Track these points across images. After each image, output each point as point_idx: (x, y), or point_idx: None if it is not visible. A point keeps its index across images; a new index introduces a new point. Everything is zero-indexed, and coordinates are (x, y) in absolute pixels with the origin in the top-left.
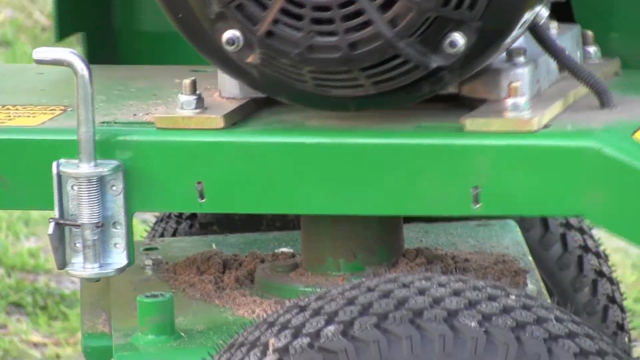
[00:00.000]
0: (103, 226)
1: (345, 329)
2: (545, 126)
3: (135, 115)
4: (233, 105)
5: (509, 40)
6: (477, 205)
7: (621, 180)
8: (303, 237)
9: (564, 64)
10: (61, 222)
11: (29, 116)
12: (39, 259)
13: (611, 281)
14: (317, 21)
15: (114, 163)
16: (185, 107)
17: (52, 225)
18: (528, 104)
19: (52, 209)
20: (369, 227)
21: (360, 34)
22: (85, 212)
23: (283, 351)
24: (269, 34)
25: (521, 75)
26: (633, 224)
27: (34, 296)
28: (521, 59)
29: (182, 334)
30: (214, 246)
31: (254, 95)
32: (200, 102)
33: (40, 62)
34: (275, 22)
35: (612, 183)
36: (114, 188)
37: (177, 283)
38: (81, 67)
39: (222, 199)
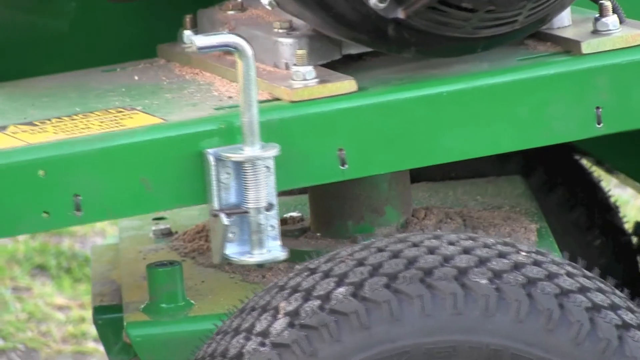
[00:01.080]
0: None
1: (356, 290)
2: None
3: (220, 100)
4: (339, 69)
5: None
6: (600, 126)
7: None
8: (311, 201)
9: None
10: (230, 211)
11: (131, 117)
12: None
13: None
14: None
15: (276, 145)
16: (308, 77)
17: (222, 216)
18: (617, 22)
19: (199, 203)
20: (376, 188)
21: None
22: (252, 197)
23: (294, 314)
24: None
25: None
26: None
27: (58, 259)
28: None
29: (193, 302)
30: None
31: (320, 62)
32: (314, 73)
33: (203, 48)
34: None
35: None
36: (266, 169)
37: (187, 251)
38: (248, 48)
39: (364, 162)
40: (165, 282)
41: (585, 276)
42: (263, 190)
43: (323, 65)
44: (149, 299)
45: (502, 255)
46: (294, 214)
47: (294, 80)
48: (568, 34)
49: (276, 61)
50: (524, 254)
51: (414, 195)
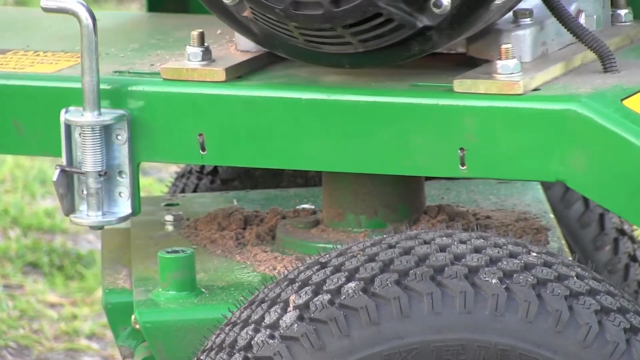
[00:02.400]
0: (107, 175)
1: (366, 285)
2: (535, 89)
3: (152, 65)
4: (241, 59)
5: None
6: (463, 168)
7: (602, 144)
8: (324, 194)
9: (566, 25)
10: (66, 169)
11: (51, 63)
12: (55, 219)
13: (632, 239)
14: None
15: (118, 112)
16: (191, 58)
17: (57, 172)
18: (519, 67)
19: (58, 155)
20: (390, 184)
21: None
22: (89, 160)
23: (304, 308)
24: None
25: (522, 37)
26: (612, 191)
27: (51, 256)
28: (527, 20)
29: (203, 290)
30: (235, 202)
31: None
32: (207, 55)
33: (46, 9)
34: None
35: (593, 148)
36: (119, 137)
37: (198, 239)
38: (85, 16)
39: (222, 152)
40: (176, 270)
41: (594, 279)
42: (99, 155)
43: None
44: (160, 285)
45: (512, 255)
46: (307, 206)
47: (184, 59)
48: (479, 70)
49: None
50: (534, 254)
51: (427, 192)
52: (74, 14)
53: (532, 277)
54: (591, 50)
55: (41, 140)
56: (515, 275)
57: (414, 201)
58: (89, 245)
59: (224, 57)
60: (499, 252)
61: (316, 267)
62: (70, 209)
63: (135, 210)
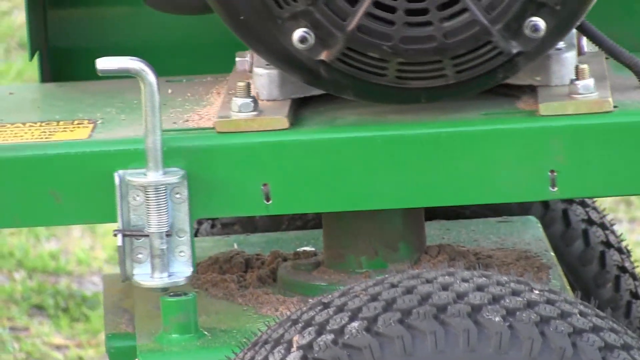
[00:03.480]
0: (170, 235)
1: (369, 325)
2: (615, 106)
3: (175, 123)
4: (283, 106)
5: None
6: (554, 189)
7: None
8: (325, 235)
9: (604, 46)
10: (129, 233)
11: (65, 131)
12: (59, 261)
13: (634, 277)
14: (411, 12)
15: (180, 171)
16: (243, 109)
17: (120, 237)
18: (595, 86)
19: (109, 221)
20: (390, 224)
21: (456, 22)
22: (154, 221)
23: (307, 348)
24: (360, 28)
25: (570, 59)
26: None
27: (56, 298)
28: (562, 43)
29: (206, 333)
30: (235, 246)
31: (294, 95)
32: (256, 105)
33: (104, 72)
34: (367, 15)
35: None
36: (178, 196)
37: (200, 282)
38: (150, 76)
39: (289, 200)
40: (178, 313)
41: (597, 315)
42: (165, 215)
43: (299, 99)
44: (162, 328)
45: (515, 293)
46: (307, 248)
47: (232, 111)
48: (545, 92)
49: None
50: (537, 292)
51: (427, 232)
52: (137, 74)
53: (535, 315)
54: (628, 67)
55: (83, 208)
56: (518, 312)
57: (414, 241)
58: (93, 287)
59: (265, 107)
60: (501, 290)
61: (319, 308)
62: (129, 274)
63: (194, 268)
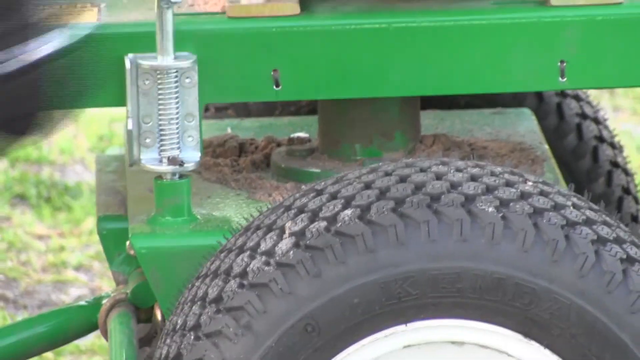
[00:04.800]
0: (177, 120)
1: (362, 212)
2: None
3: (192, 5)
4: None
5: None
6: (563, 80)
7: None
8: (320, 122)
9: None
10: (139, 117)
11: (72, 14)
12: (42, 150)
13: (626, 172)
14: None
15: (191, 56)
16: None
17: (130, 120)
18: None
19: (118, 105)
20: (386, 112)
21: None
22: (165, 106)
23: (299, 235)
24: None
25: None
26: None
27: (38, 187)
28: None
29: (199, 217)
30: (229, 130)
31: None
32: None
33: None
34: None
35: None
36: (188, 80)
37: None
38: None
39: (298, 86)
40: (171, 195)
41: (591, 209)
42: (174, 100)
43: None
44: (155, 211)
45: (509, 184)
46: (301, 134)
47: None
48: None
49: None
50: (530, 184)
51: (421, 122)
52: None
53: (528, 206)
54: None
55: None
56: (511, 203)
57: (409, 130)
58: (76, 177)
59: None
60: (495, 180)
61: (312, 194)
62: (136, 158)
63: (202, 153)
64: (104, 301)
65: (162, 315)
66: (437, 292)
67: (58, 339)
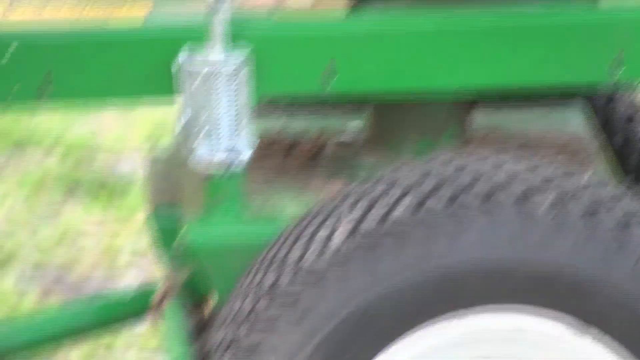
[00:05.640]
0: (232, 113)
1: (418, 203)
2: None
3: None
4: None
5: None
6: (619, 72)
7: None
8: (372, 115)
9: None
10: (193, 110)
11: (123, 8)
12: (96, 139)
13: None
14: None
15: (245, 49)
16: None
17: (184, 113)
18: None
19: (175, 97)
20: (439, 106)
21: None
22: (217, 101)
23: (355, 224)
24: None
25: None
26: None
27: (92, 176)
28: None
29: (251, 209)
30: (280, 123)
31: None
32: None
33: None
34: None
35: None
36: (242, 73)
37: None
38: None
39: (354, 79)
40: (225, 188)
41: None
42: (229, 92)
43: None
44: (209, 202)
45: (563, 177)
46: (353, 127)
47: None
48: None
49: None
50: (583, 177)
51: (475, 115)
52: None
53: (582, 200)
54: None
55: (152, 84)
56: (565, 198)
57: (461, 123)
58: (130, 166)
59: None
60: (550, 174)
61: (369, 184)
62: (191, 151)
63: (256, 146)
64: (157, 289)
65: (216, 305)
66: (492, 281)
67: (108, 322)
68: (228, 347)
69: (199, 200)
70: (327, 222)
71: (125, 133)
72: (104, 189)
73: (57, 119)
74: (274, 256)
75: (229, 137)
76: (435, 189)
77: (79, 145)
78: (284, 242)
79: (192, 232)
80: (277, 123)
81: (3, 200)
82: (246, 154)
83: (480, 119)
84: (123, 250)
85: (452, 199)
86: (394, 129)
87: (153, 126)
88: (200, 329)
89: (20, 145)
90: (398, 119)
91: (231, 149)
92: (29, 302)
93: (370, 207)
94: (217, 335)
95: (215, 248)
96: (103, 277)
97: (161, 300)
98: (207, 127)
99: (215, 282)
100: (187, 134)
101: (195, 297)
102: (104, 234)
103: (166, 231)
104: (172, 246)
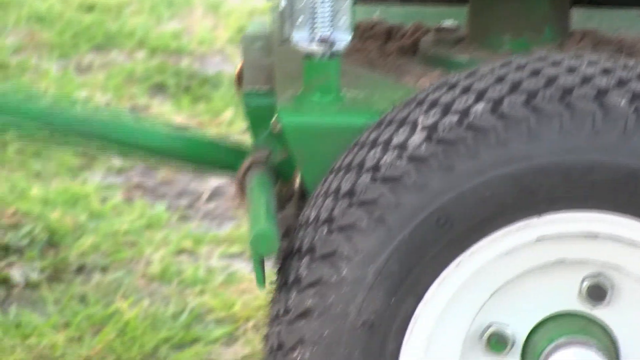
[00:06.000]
0: (332, 0)
1: (495, 106)
2: None
3: None
4: None
5: None
6: None
7: None
8: (470, 10)
9: None
10: None
11: None
12: (181, 41)
13: None
14: None
15: None
16: None
17: None
18: None
19: None
20: (537, 5)
21: None
22: None
23: (432, 128)
24: None
25: None
26: None
27: (177, 77)
28: None
29: (345, 97)
30: (377, 14)
31: None
32: None
33: None
34: None
35: None
36: None
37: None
38: None
39: None
40: (320, 74)
41: None
42: None
43: None
44: (303, 88)
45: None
46: (450, 22)
47: None
48: None
49: None
50: None
51: (571, 17)
52: None
53: None
54: None
55: None
56: None
57: (559, 24)
58: (215, 67)
59: None
60: (628, 73)
61: (445, 88)
62: (287, 35)
63: (353, 35)
64: (245, 159)
65: (301, 184)
66: (569, 184)
67: (193, 160)
68: (307, 251)
69: (294, 83)
70: (404, 127)
71: (214, 29)
72: (189, 91)
73: (144, 16)
74: (352, 161)
75: (327, 22)
76: (511, 90)
77: (164, 45)
78: (361, 147)
79: (284, 116)
80: (374, 13)
81: (88, 101)
82: (343, 40)
83: (578, 19)
84: None
85: (526, 103)
86: (491, 27)
87: (238, 27)
88: (282, 203)
89: (105, 45)
90: (495, 17)
91: (327, 36)
92: (113, 203)
93: (445, 112)
94: (296, 240)
95: (306, 134)
96: (188, 178)
97: (246, 171)
98: (304, 13)
99: (305, 167)
100: (285, 19)
101: (281, 175)
102: None
103: (259, 112)
104: (263, 128)
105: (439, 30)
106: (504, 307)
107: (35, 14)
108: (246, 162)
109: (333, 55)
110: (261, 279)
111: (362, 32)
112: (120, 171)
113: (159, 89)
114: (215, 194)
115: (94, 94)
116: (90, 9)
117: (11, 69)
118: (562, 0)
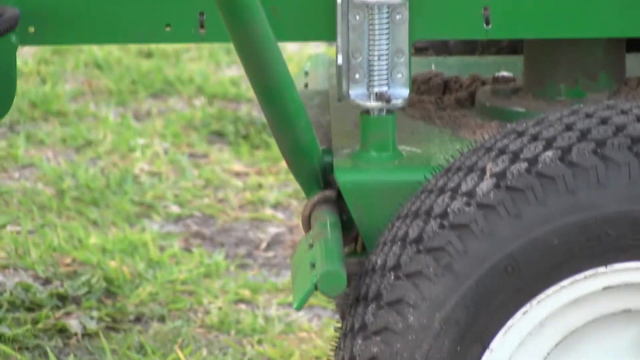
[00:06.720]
0: (389, 56)
1: (563, 154)
2: None
3: None
4: None
5: None
6: (488, 27)
7: None
8: (526, 61)
9: None
10: (349, 52)
11: None
12: (240, 88)
13: None
14: None
15: None
16: None
17: (340, 55)
18: None
19: (327, 39)
20: (592, 53)
21: None
22: (374, 42)
23: (500, 176)
24: None
25: None
26: None
27: (236, 125)
28: None
29: (403, 153)
30: (433, 67)
31: None
32: None
33: None
34: None
35: None
36: (399, 17)
37: None
38: None
39: (508, 24)
40: (377, 131)
41: None
42: (385, 35)
43: None
44: (360, 146)
45: None
46: (505, 73)
47: None
48: None
49: None
50: None
51: (627, 63)
52: None
53: None
54: None
55: (300, 25)
56: None
57: (614, 71)
58: None
59: None
60: None
61: (513, 136)
62: (345, 93)
63: (410, 90)
64: (313, 195)
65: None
66: (637, 234)
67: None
68: (374, 298)
69: (350, 142)
70: (472, 174)
71: None
72: (248, 138)
73: (202, 62)
74: (419, 208)
75: (383, 80)
76: (580, 139)
77: (222, 92)
78: (429, 194)
79: (341, 174)
80: (432, 64)
81: (146, 148)
82: (401, 96)
83: (634, 66)
84: (267, 200)
85: (595, 152)
86: (546, 76)
87: (297, 73)
88: (348, 241)
89: (163, 92)
90: (550, 66)
91: (385, 92)
92: (171, 251)
93: (514, 160)
94: (362, 287)
95: (363, 191)
96: (247, 226)
97: (315, 205)
98: (362, 69)
99: (364, 225)
100: (342, 75)
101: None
102: (248, 183)
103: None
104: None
105: (495, 81)
106: (570, 357)
107: (94, 61)
108: (313, 199)
109: (390, 111)
110: (303, 304)
111: (419, 85)
112: (178, 219)
113: (218, 136)
114: (273, 242)
115: (152, 141)
116: (148, 55)
117: (69, 115)
118: (617, 47)
